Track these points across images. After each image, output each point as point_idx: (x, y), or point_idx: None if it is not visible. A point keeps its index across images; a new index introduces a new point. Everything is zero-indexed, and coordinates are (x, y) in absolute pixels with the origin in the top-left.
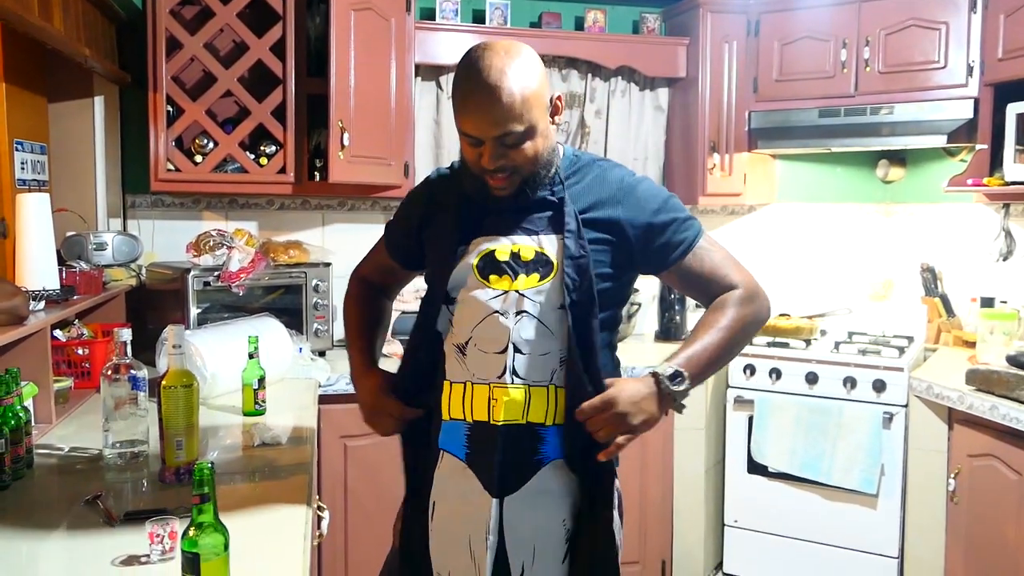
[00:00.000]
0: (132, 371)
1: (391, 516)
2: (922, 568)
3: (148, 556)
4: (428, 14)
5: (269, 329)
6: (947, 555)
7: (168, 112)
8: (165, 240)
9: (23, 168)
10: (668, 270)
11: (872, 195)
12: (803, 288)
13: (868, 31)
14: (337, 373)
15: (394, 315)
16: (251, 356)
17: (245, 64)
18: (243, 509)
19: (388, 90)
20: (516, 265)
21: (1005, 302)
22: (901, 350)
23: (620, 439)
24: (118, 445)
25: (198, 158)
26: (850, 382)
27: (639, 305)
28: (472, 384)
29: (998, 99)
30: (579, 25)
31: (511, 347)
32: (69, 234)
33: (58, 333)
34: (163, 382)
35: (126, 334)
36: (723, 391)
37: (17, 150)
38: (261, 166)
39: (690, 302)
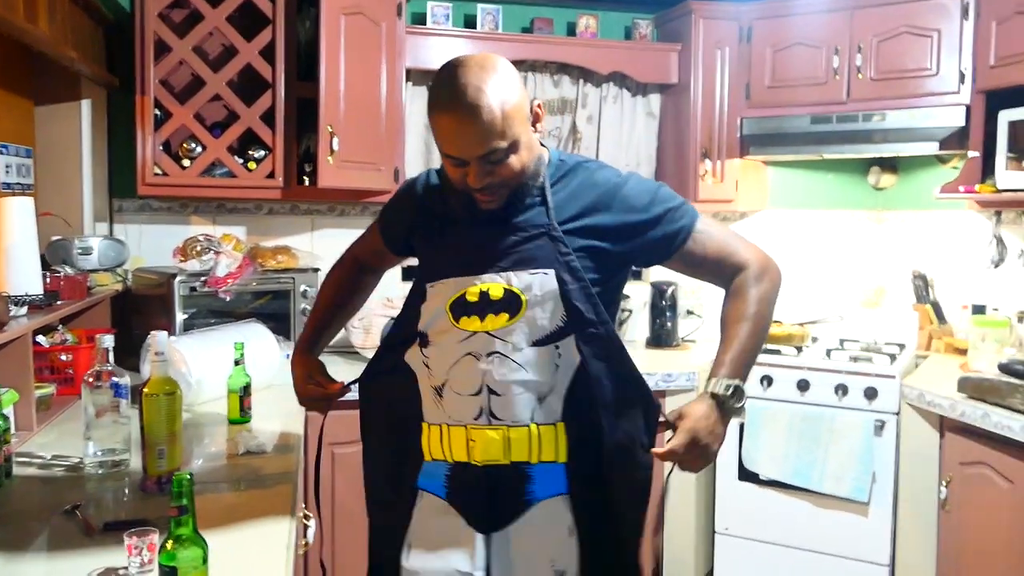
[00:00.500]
0: (114, 378)
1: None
2: (913, 575)
3: (127, 569)
4: (419, 19)
5: (256, 335)
6: (938, 563)
7: (156, 116)
8: (152, 245)
9: (8, 172)
10: (671, 259)
11: (864, 202)
12: (795, 295)
13: (860, 38)
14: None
15: (383, 321)
16: (237, 363)
17: (234, 68)
18: (227, 518)
19: (378, 95)
20: (485, 305)
21: (997, 309)
22: (893, 357)
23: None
24: (99, 453)
25: (186, 162)
26: (842, 389)
27: (630, 312)
28: (448, 426)
29: (990, 106)
30: (571, 31)
31: (485, 389)
32: (54, 238)
33: (41, 339)
34: (145, 390)
35: (108, 340)
36: None
37: (2, 153)
38: (250, 171)
39: (681, 308)
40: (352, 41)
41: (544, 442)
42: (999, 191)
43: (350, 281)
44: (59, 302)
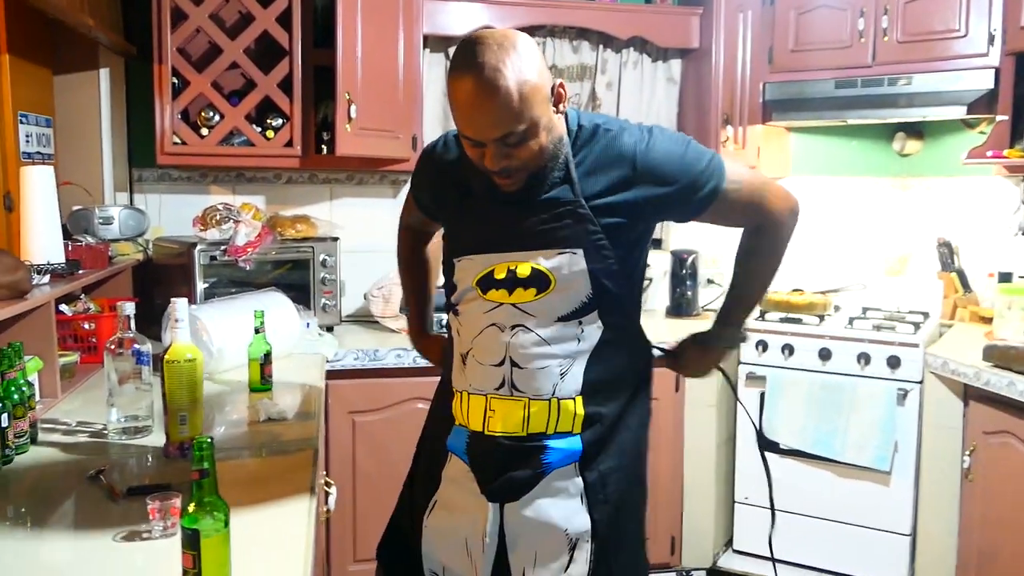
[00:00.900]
0: (136, 345)
1: (399, 491)
2: (935, 546)
3: (150, 532)
4: None
5: (276, 304)
6: (961, 533)
7: (174, 84)
8: (172, 214)
9: (28, 141)
10: (699, 216)
11: (888, 168)
12: (817, 263)
13: None
14: (345, 348)
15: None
16: (257, 331)
17: (251, 35)
18: (249, 484)
19: (396, 62)
20: (513, 282)
21: (1023, 277)
22: (916, 326)
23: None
24: (123, 420)
25: (204, 131)
26: (864, 358)
27: (650, 280)
28: (468, 394)
29: (1020, 69)
30: None
31: (508, 360)
32: (75, 208)
33: (64, 308)
34: (166, 356)
35: (129, 307)
36: (735, 367)
37: (22, 123)
38: (268, 139)
39: (702, 277)
40: (369, 7)
41: (563, 414)
42: None
43: (414, 252)
44: (81, 271)
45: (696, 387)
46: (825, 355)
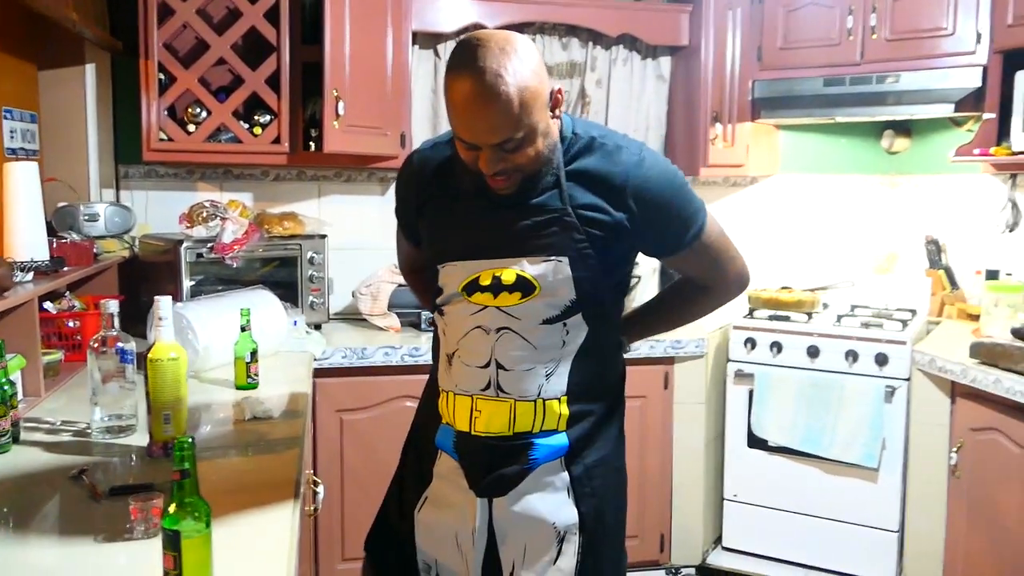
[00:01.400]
0: (120, 343)
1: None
2: (923, 542)
3: (132, 532)
4: None
5: (263, 302)
6: (948, 529)
7: (160, 80)
8: (158, 212)
9: (12, 137)
10: (667, 257)
11: (877, 166)
12: (805, 261)
13: None
14: (332, 346)
15: (391, 287)
16: (243, 329)
17: (238, 31)
18: (235, 483)
19: (384, 58)
20: (497, 287)
21: (1011, 274)
22: (904, 323)
23: None
24: (106, 419)
25: (191, 127)
26: (852, 355)
27: (639, 278)
28: (455, 395)
29: (1007, 67)
30: None
31: (494, 362)
32: (60, 205)
33: (48, 305)
34: (149, 355)
35: (113, 305)
36: (723, 365)
37: (6, 118)
38: (255, 136)
39: None
40: (357, 3)
41: (548, 415)
42: (1015, 153)
43: (417, 279)
44: (65, 268)
45: (685, 384)
46: (813, 352)
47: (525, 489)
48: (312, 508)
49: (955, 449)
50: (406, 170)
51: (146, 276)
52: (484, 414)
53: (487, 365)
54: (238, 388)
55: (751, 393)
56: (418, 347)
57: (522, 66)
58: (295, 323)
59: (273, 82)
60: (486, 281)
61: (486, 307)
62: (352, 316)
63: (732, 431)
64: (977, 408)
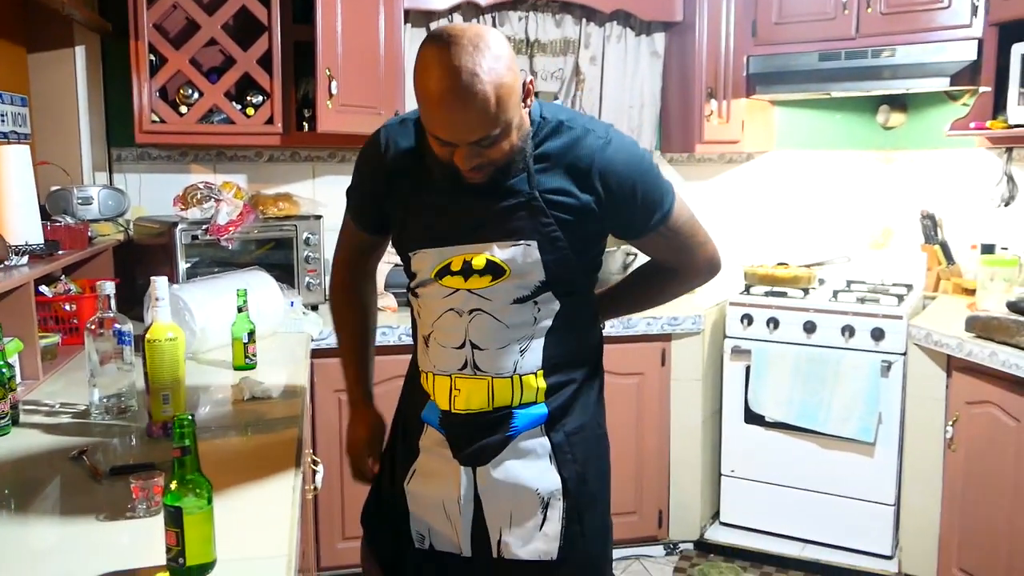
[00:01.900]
0: (116, 325)
1: None
2: (918, 515)
3: (134, 511)
4: None
5: (259, 283)
6: (944, 502)
7: (151, 62)
8: (152, 194)
9: (3, 120)
10: (636, 239)
11: (872, 142)
12: (801, 237)
13: None
14: (329, 327)
15: (387, 267)
16: (240, 310)
17: (229, 11)
18: (234, 463)
19: (377, 37)
20: (468, 271)
21: (1006, 248)
22: (900, 298)
23: None
24: (105, 400)
25: (183, 109)
26: (848, 331)
27: (635, 256)
28: (434, 375)
29: (1002, 39)
30: None
31: (468, 343)
32: (53, 188)
33: (44, 289)
34: (147, 335)
35: (109, 287)
36: (720, 341)
37: None
38: (248, 117)
39: None
40: None
41: (526, 389)
42: (1011, 127)
43: (356, 291)
44: (61, 252)
45: (682, 361)
46: (810, 328)
47: (506, 456)
48: (312, 488)
49: (951, 423)
50: (372, 150)
51: (141, 259)
52: (463, 392)
53: (462, 346)
54: (236, 369)
55: (748, 369)
56: None
57: (497, 63)
58: (292, 304)
59: (265, 62)
60: (457, 267)
61: (457, 290)
62: None
63: (729, 407)
64: (973, 382)
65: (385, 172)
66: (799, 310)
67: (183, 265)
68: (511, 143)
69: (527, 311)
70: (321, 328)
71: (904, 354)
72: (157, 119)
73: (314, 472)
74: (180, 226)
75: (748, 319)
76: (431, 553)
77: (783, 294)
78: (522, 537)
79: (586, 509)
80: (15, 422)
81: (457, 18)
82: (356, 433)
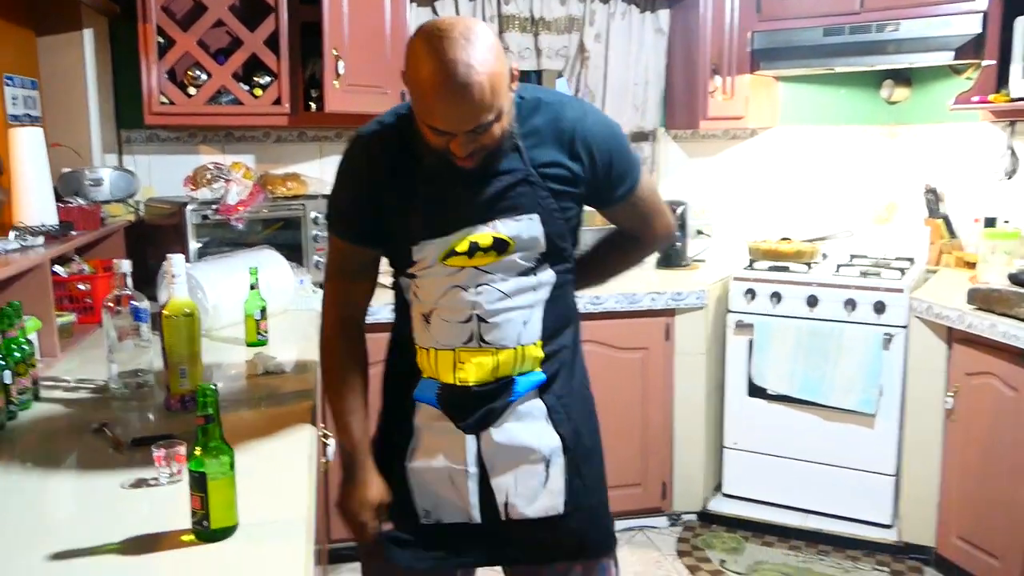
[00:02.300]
0: (133, 302)
1: None
2: (919, 485)
3: (156, 479)
4: None
5: (270, 261)
6: (944, 472)
7: (159, 43)
8: (162, 175)
9: (15, 103)
10: (607, 207)
11: (876, 117)
12: (805, 212)
13: None
14: None
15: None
16: (252, 287)
17: None
18: (250, 434)
19: (383, 16)
20: (474, 250)
21: (1008, 221)
22: (902, 271)
23: None
24: (123, 375)
25: (192, 90)
26: (850, 304)
27: None
28: (436, 350)
29: (1007, 12)
30: None
31: (475, 317)
32: (65, 170)
33: (59, 269)
34: (164, 311)
35: (126, 265)
36: (723, 316)
37: (8, 85)
38: (256, 97)
39: (691, 228)
40: None
41: (527, 359)
42: (1013, 100)
43: (353, 368)
44: (74, 232)
45: (686, 336)
46: (812, 302)
47: (506, 420)
48: (324, 461)
49: (951, 394)
50: (358, 157)
51: (152, 239)
52: (467, 364)
53: (469, 320)
54: (249, 345)
55: (751, 343)
56: None
57: (488, 52)
58: (301, 282)
59: (272, 43)
60: (463, 248)
61: (463, 268)
62: None
63: (732, 381)
64: (973, 353)
65: (375, 175)
66: (802, 284)
67: (194, 245)
68: (502, 127)
69: (529, 282)
70: None
71: (905, 327)
72: (166, 101)
73: (325, 445)
74: (191, 206)
75: (751, 294)
76: (438, 526)
77: (786, 268)
78: (527, 496)
79: (584, 462)
80: (36, 397)
81: None
82: (367, 493)
